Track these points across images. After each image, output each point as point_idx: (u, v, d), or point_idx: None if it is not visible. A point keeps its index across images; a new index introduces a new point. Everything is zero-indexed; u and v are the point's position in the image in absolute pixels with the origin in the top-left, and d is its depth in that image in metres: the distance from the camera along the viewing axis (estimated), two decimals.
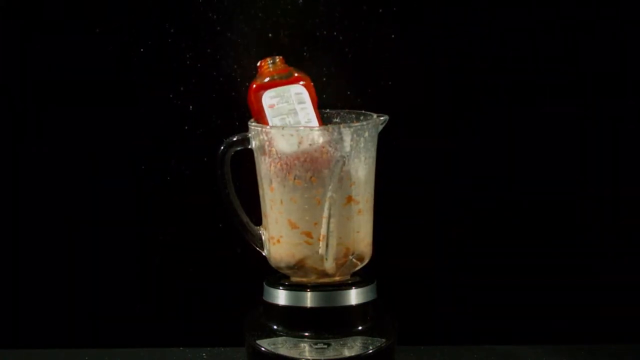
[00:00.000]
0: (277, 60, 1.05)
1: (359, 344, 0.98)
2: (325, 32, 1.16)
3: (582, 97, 1.18)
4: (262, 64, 1.05)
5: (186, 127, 1.20)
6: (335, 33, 1.16)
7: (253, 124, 1.04)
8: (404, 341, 1.16)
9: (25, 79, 1.20)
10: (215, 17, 1.17)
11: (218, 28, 1.17)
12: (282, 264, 1.03)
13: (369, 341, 0.99)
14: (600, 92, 1.18)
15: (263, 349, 0.99)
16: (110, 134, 1.21)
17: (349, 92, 1.17)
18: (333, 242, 1.00)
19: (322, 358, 0.96)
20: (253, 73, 1.07)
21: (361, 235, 1.03)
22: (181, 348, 1.23)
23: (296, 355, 0.97)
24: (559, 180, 1.20)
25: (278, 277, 1.05)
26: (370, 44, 1.17)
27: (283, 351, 0.98)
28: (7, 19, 1.18)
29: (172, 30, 1.17)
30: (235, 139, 1.05)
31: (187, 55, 1.18)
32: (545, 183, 1.20)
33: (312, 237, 1.00)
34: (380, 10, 1.16)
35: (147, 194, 1.22)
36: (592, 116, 1.19)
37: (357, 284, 1.02)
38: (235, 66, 1.17)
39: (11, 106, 1.21)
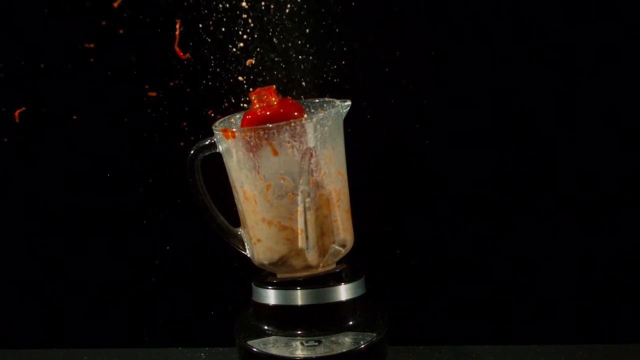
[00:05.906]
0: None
1: (350, 340, 0.97)
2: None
3: None
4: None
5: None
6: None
7: (217, 127, 1.02)
8: (403, 341, 1.16)
9: None
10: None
11: None
12: (266, 262, 1.02)
13: (360, 336, 0.97)
14: None
15: (255, 349, 0.98)
16: None
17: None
18: (312, 234, 0.99)
19: (314, 355, 0.95)
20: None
21: (339, 222, 1.01)
22: (180, 348, 1.23)
23: (287, 354, 0.96)
24: (558, 178, 1.18)
25: (265, 276, 1.04)
26: None
27: (274, 351, 0.97)
28: None
29: None
30: (202, 144, 1.04)
31: None
32: (545, 179, 1.18)
33: (291, 233, 0.99)
34: None
35: (147, 195, 1.24)
36: None
37: (346, 280, 1.01)
38: None
39: None
